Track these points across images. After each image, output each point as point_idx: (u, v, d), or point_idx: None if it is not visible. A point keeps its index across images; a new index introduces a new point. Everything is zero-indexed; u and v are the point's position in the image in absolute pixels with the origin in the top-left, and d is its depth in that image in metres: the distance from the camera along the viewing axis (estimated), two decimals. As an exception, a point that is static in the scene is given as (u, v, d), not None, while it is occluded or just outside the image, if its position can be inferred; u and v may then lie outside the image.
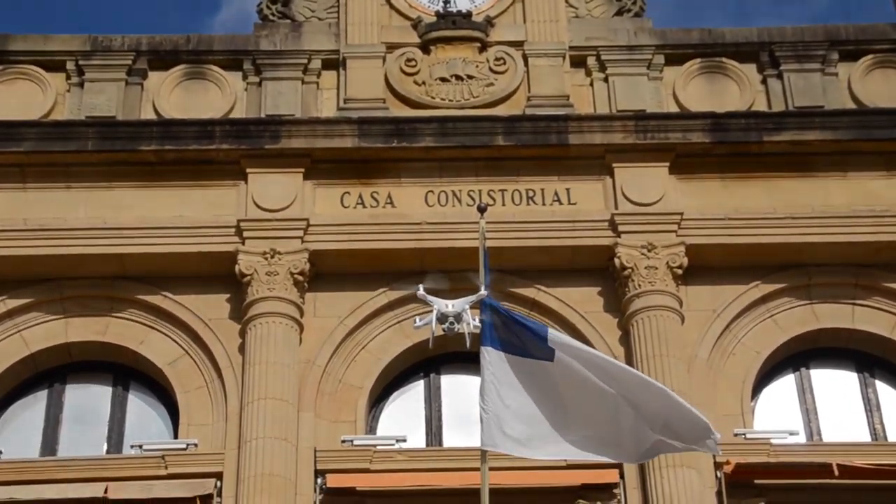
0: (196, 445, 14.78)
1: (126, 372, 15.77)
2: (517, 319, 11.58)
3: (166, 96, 17.01)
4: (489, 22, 17.47)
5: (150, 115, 16.82)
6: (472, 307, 11.75)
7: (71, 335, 15.68)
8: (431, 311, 11.89)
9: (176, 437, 15.05)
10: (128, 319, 15.73)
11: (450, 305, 11.91)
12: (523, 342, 11.53)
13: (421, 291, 12.12)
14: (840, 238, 15.75)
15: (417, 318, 12.25)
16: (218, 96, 17.05)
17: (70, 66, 17.08)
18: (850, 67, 17.12)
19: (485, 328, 12.15)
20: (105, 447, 15.31)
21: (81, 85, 16.97)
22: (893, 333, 15.70)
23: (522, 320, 11.61)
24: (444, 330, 11.86)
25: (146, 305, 15.73)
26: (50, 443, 15.33)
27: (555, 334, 11.33)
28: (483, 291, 11.73)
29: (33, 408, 15.62)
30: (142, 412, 15.60)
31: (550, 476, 13.83)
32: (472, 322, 11.75)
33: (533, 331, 11.42)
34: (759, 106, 16.91)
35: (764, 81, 17.15)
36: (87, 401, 15.69)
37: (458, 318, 11.81)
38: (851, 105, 16.84)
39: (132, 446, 15.05)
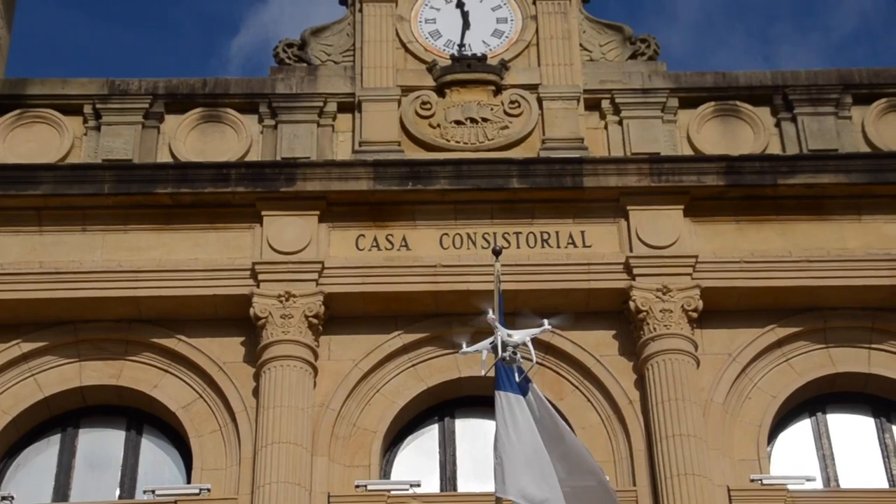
0: (209, 490, 14.72)
1: (140, 416, 15.75)
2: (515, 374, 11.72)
3: (182, 139, 17.10)
4: (504, 65, 17.55)
5: (167, 159, 16.90)
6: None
7: (85, 379, 15.67)
8: (480, 339, 11.98)
9: (189, 481, 15.01)
10: (142, 363, 15.73)
11: (513, 335, 11.97)
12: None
13: (491, 315, 12.18)
14: (856, 281, 15.69)
15: (465, 344, 12.27)
16: (234, 139, 17.13)
17: (87, 109, 17.18)
18: (864, 111, 17.13)
19: (499, 372, 12.17)
20: (118, 492, 15.26)
21: (98, 128, 17.07)
22: (910, 378, 15.64)
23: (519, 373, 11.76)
24: (504, 360, 11.90)
25: (161, 349, 15.74)
26: (62, 488, 15.28)
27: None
28: (547, 326, 11.81)
29: (46, 452, 15.58)
30: (155, 456, 15.55)
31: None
32: (533, 353, 11.86)
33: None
34: (773, 149, 16.91)
35: (778, 124, 17.16)
36: (101, 445, 15.65)
37: (517, 349, 11.91)
38: (865, 148, 16.83)
39: (145, 491, 15.00)
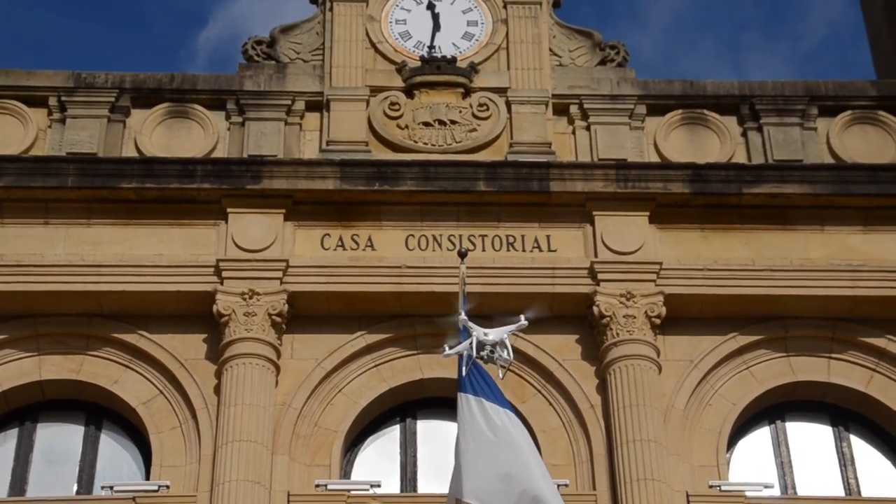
0: (168, 487, 14.63)
1: (99, 411, 15.62)
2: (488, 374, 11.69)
3: (148, 134, 17.00)
4: (473, 68, 17.57)
5: (132, 153, 16.79)
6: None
7: (44, 373, 15.54)
8: (458, 341, 11.92)
9: (148, 478, 14.90)
10: (103, 358, 15.61)
11: (489, 334, 11.94)
12: (496, 393, 11.61)
13: (463, 316, 12.14)
14: (817, 291, 15.80)
15: (447, 347, 12.22)
16: (200, 135, 17.05)
17: (52, 101, 17.04)
18: (829, 122, 17.26)
19: (462, 375, 12.17)
20: (75, 488, 15.14)
21: (63, 121, 16.95)
22: (868, 388, 15.73)
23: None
24: (482, 359, 11.85)
25: (122, 344, 15.63)
26: (19, 483, 15.13)
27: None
28: (524, 321, 11.79)
29: (3, 447, 15.40)
30: (114, 452, 15.43)
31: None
32: (510, 351, 11.81)
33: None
34: (738, 158, 17.02)
35: (744, 134, 17.27)
36: (59, 440, 15.51)
37: (496, 347, 11.87)
38: (830, 160, 16.97)
39: (103, 487, 14.86)
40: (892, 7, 18.97)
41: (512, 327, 11.80)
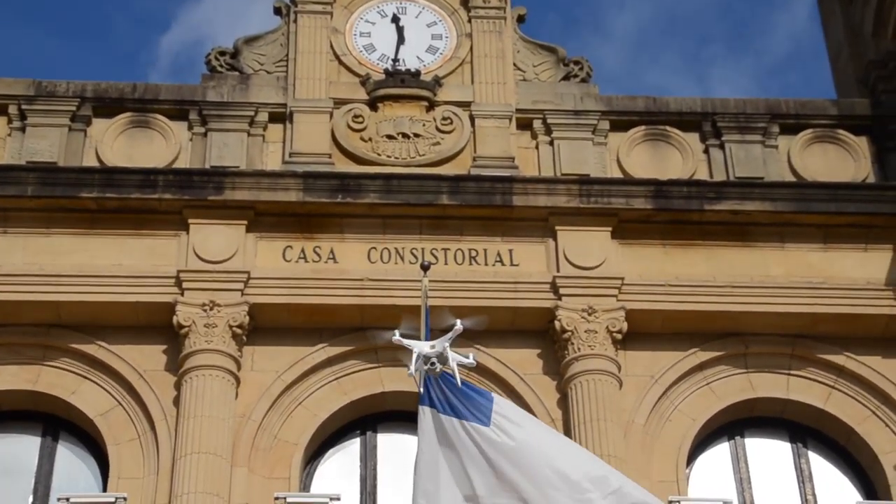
0: (125, 499, 14.50)
1: (56, 422, 15.47)
2: (455, 384, 11.54)
3: (110, 144, 16.89)
4: (437, 81, 17.58)
5: (93, 163, 16.66)
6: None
7: (1, 383, 15.39)
8: (423, 360, 11.75)
9: (105, 490, 14.77)
10: (61, 368, 15.47)
11: (433, 346, 11.79)
12: (463, 404, 11.49)
13: (397, 336, 12.00)
14: (777, 308, 15.91)
15: (411, 367, 12.00)
16: (162, 146, 16.95)
17: (12, 109, 16.90)
18: (790, 141, 17.38)
19: (424, 387, 12.08)
20: (31, 499, 14.97)
21: (23, 129, 16.80)
22: (827, 404, 15.84)
23: (465, 386, 11.56)
24: (427, 371, 11.71)
25: (80, 354, 15.50)
26: (-26, 494, 15.06)
27: (500, 401, 11.32)
28: (459, 326, 11.67)
29: (-42, 457, 15.33)
30: (71, 464, 15.29)
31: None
32: (458, 357, 11.64)
33: (476, 393, 11.40)
34: (700, 175, 17.11)
35: (706, 151, 17.36)
36: (15, 451, 15.34)
37: (441, 358, 11.72)
38: (790, 177, 17.09)
39: (59, 499, 14.67)
40: (852, 28, 19.16)
41: (450, 334, 11.70)
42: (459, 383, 11.51)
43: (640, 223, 16.37)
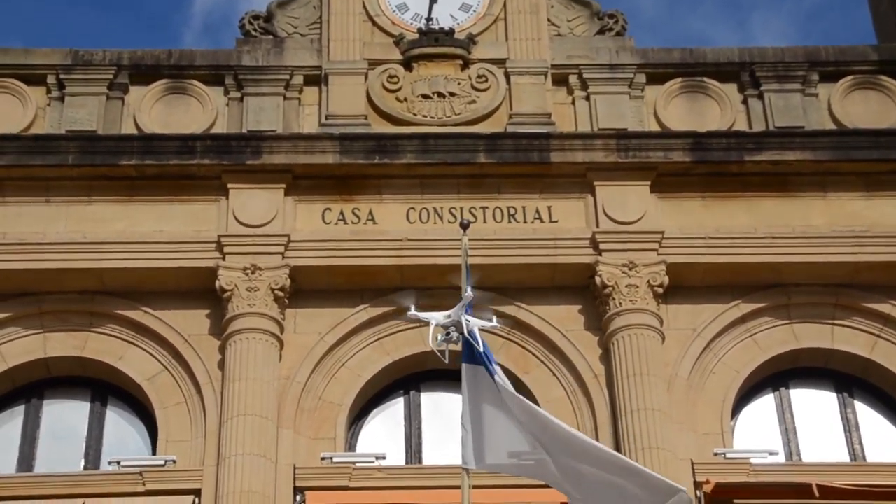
0: (174, 462, 14.69)
1: (104, 387, 15.65)
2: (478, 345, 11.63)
3: (147, 111, 16.95)
4: (471, 39, 17.50)
5: (131, 130, 16.75)
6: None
7: (49, 350, 15.57)
8: (441, 330, 11.79)
9: (154, 453, 14.95)
10: (107, 335, 15.62)
11: (449, 316, 11.84)
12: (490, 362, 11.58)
13: (412, 311, 12.06)
14: (820, 258, 15.79)
15: (429, 340, 11.98)
16: (199, 111, 17.00)
17: (51, 79, 16.99)
18: (830, 88, 17.20)
19: (465, 345, 12.13)
20: (83, 463, 15.19)
21: (62, 99, 16.90)
22: (872, 354, 15.74)
23: (484, 349, 11.65)
24: (445, 341, 11.77)
25: (125, 321, 15.64)
26: (27, 459, 15.19)
27: (501, 377, 11.41)
28: (469, 293, 11.69)
29: (10, 423, 15.47)
30: (120, 428, 15.48)
31: (532, 494, 13.73)
32: (479, 322, 11.66)
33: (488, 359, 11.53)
34: (739, 125, 16.97)
35: (745, 101, 17.21)
36: (65, 416, 15.56)
37: (458, 326, 11.76)
38: (831, 126, 16.91)
39: (110, 462, 14.91)
40: (892, -28, 18.88)
41: (462, 303, 11.72)
42: (481, 347, 11.60)
43: (679, 176, 16.27)
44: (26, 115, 16.76)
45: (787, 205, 16.17)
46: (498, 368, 11.56)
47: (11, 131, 16.45)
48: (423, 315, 11.93)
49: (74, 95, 16.87)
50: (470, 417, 11.75)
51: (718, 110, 17.11)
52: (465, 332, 11.62)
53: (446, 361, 11.98)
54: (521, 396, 11.43)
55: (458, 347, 11.68)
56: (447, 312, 11.82)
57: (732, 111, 17.08)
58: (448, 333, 11.73)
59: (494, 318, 11.86)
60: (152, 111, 16.98)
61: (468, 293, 11.70)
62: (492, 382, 11.76)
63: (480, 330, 11.69)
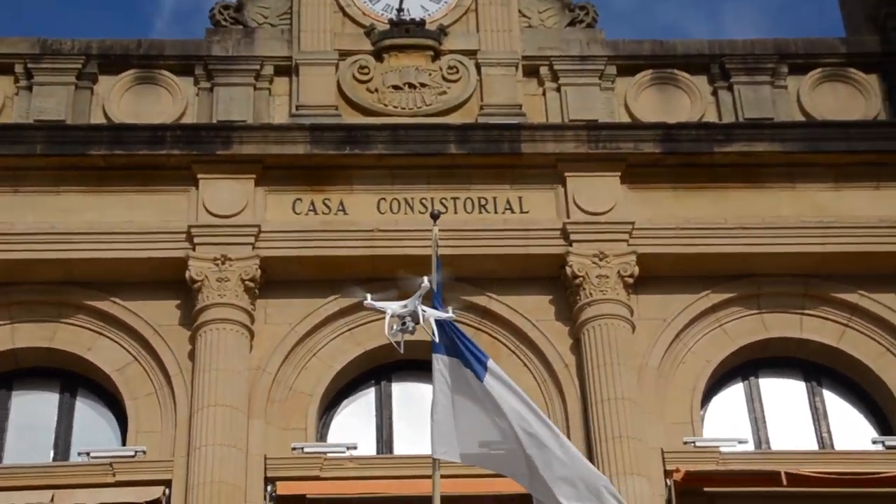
0: (145, 452, 14.65)
1: (74, 378, 15.58)
2: (460, 334, 11.65)
3: (116, 101, 16.87)
4: (442, 30, 17.50)
5: (101, 120, 16.67)
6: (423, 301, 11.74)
7: (18, 341, 15.49)
8: (396, 319, 11.78)
9: (124, 444, 14.90)
10: (76, 325, 15.56)
11: (405, 306, 11.84)
12: (470, 352, 11.59)
13: (368, 300, 12.05)
14: (789, 248, 15.90)
15: (385, 329, 11.98)
16: (169, 101, 16.93)
17: (19, 69, 16.89)
18: (800, 80, 17.31)
19: (435, 335, 12.14)
20: (52, 454, 15.11)
21: (30, 88, 16.80)
22: (840, 343, 15.87)
23: (465, 339, 11.67)
24: (401, 331, 11.77)
25: (95, 311, 15.57)
26: (-5, 450, 15.17)
27: (494, 365, 11.43)
28: (426, 284, 11.72)
29: (-22, 415, 15.44)
30: (89, 419, 15.42)
31: (501, 484, 13.75)
32: (435, 313, 11.66)
33: (474, 348, 11.54)
34: (709, 117, 17.05)
35: (715, 93, 17.30)
36: (34, 407, 15.47)
37: (414, 316, 11.76)
38: (800, 117, 17.02)
39: (80, 453, 14.86)
40: (859, -35, 18.98)
41: (418, 293, 11.72)
42: (437, 339, 11.63)
43: (650, 167, 16.34)
44: (-7, 105, 16.66)
45: (756, 196, 16.27)
46: (491, 362, 11.58)
47: (-22, 121, 16.35)
48: (379, 304, 11.94)
49: (42, 85, 16.77)
50: (441, 408, 11.78)
51: (689, 102, 17.18)
52: (421, 321, 11.65)
53: (402, 351, 12.02)
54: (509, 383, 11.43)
55: (413, 337, 11.69)
56: (403, 302, 11.82)
57: (702, 103, 17.16)
58: (404, 323, 11.74)
59: (450, 309, 11.84)
60: (121, 101, 16.89)
61: (424, 283, 11.71)
62: (464, 373, 11.79)
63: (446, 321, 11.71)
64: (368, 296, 12.10)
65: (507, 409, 11.42)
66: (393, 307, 11.82)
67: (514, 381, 11.61)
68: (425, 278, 11.70)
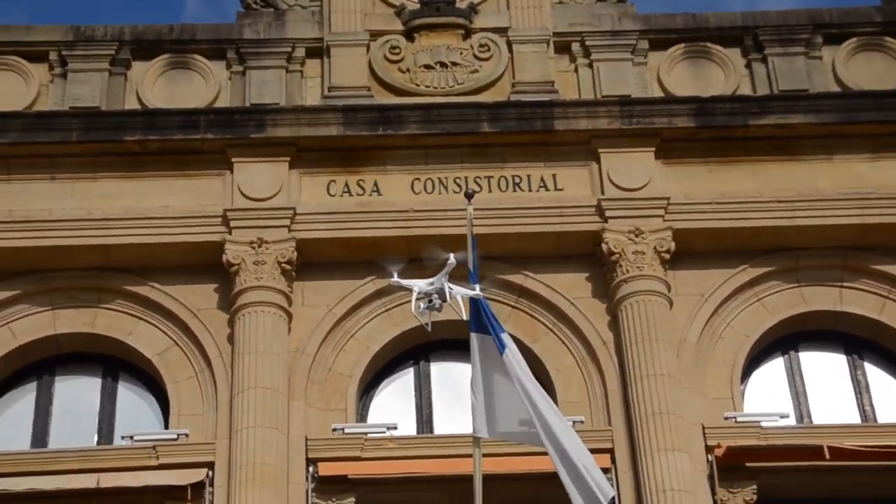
0: (187, 435, 14.73)
1: (115, 363, 15.69)
2: (489, 311, 11.67)
3: (150, 86, 16.92)
4: (473, 9, 17.44)
5: (135, 106, 16.73)
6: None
7: (59, 327, 15.60)
8: (423, 297, 11.81)
9: (166, 427, 15.00)
10: (116, 310, 15.64)
11: (431, 283, 11.86)
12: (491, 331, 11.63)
13: (395, 278, 12.06)
14: (827, 221, 15.78)
15: (420, 305, 12.03)
16: (202, 86, 16.97)
17: (53, 56, 16.96)
18: (835, 51, 17.17)
19: (474, 314, 12.16)
20: (96, 438, 15.24)
21: (65, 76, 16.87)
22: (881, 315, 15.76)
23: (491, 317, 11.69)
24: (428, 308, 11.80)
25: (134, 296, 15.65)
26: (40, 435, 15.25)
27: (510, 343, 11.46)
28: (452, 260, 11.72)
29: (23, 400, 15.54)
30: (132, 403, 15.53)
31: (542, 462, 13.67)
32: (462, 290, 11.67)
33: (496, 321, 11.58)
34: (743, 90, 16.93)
35: (748, 66, 17.17)
36: (77, 392, 15.60)
37: (441, 293, 11.78)
38: (836, 88, 16.89)
39: (123, 437, 14.97)
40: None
41: (445, 270, 11.73)
42: (464, 316, 11.67)
43: (684, 142, 16.25)
44: (29, 93, 16.74)
45: (792, 168, 16.15)
46: (506, 336, 11.59)
47: (15, 109, 16.41)
48: (405, 282, 11.98)
49: (77, 72, 16.84)
50: (481, 386, 11.80)
51: (722, 75, 17.07)
52: (448, 298, 11.66)
53: (429, 329, 12.07)
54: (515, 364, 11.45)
55: (450, 316, 11.72)
56: (430, 280, 11.83)
57: (736, 76, 17.04)
58: (431, 301, 11.75)
59: (478, 286, 11.83)
60: (155, 86, 16.94)
61: (451, 259, 11.71)
62: (497, 351, 11.81)
63: (472, 298, 11.73)
64: (395, 274, 12.12)
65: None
66: (420, 285, 11.84)
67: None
68: (451, 255, 11.70)
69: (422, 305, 11.80)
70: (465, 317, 11.86)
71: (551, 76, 16.99)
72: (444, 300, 11.78)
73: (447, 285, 11.76)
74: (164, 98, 16.77)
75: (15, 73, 16.84)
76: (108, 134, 16.04)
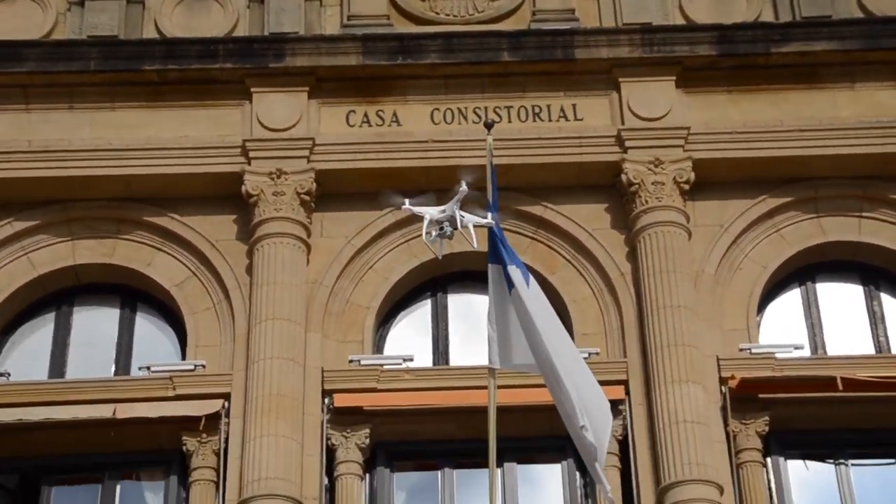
0: (204, 366, 14.85)
1: (133, 294, 15.81)
2: (504, 241, 11.65)
3: (168, 15, 16.86)
4: (493, -66, 17.23)
5: (153, 35, 16.67)
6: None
7: (78, 257, 15.70)
8: (434, 224, 11.79)
9: (184, 358, 15.13)
10: (135, 241, 15.73)
11: (443, 211, 11.83)
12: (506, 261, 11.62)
13: (407, 205, 12.03)
14: (847, 150, 15.62)
15: (432, 233, 12.02)
16: (220, 14, 16.90)
17: (70, -16, 16.93)
18: (859, -25, 16.89)
19: (491, 246, 12.16)
20: (113, 369, 15.41)
21: (82, 3, 16.81)
22: (899, 246, 15.68)
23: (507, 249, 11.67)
24: (439, 236, 11.79)
25: (153, 227, 15.73)
26: (58, 365, 15.43)
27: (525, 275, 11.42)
28: (464, 188, 11.68)
29: (41, 330, 15.70)
30: (149, 334, 15.66)
31: (557, 393, 13.87)
32: (474, 219, 11.66)
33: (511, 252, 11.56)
34: (766, 17, 16.69)
35: (771, -9, 16.94)
36: (95, 323, 15.74)
37: (452, 221, 11.76)
38: (859, 14, 16.59)
39: (140, 368, 15.12)
40: None
41: (457, 197, 11.66)
42: (475, 245, 11.65)
43: (705, 70, 16.08)
44: (46, 21, 16.71)
45: (814, 97, 15.97)
46: (519, 271, 11.56)
47: (32, 37, 16.40)
48: (417, 209, 11.93)
49: (95, 0, 16.76)
50: (496, 318, 11.83)
51: (744, 2, 16.83)
52: (459, 226, 11.63)
53: (440, 257, 12.04)
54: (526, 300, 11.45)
55: (468, 248, 11.69)
56: (441, 207, 11.79)
57: (759, 2, 16.80)
58: (442, 228, 11.71)
59: (490, 215, 11.79)
60: (173, 15, 16.88)
61: (462, 187, 11.66)
62: (517, 280, 11.80)
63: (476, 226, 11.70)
64: (407, 200, 12.09)
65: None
66: (431, 212, 11.80)
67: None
68: (464, 182, 11.66)
69: (433, 233, 11.77)
70: (475, 245, 11.84)
71: (571, 3, 16.81)
72: (456, 228, 11.74)
73: (458, 213, 11.73)
74: (183, 27, 16.71)
75: (32, 2, 16.79)
76: (127, 63, 16.01)
